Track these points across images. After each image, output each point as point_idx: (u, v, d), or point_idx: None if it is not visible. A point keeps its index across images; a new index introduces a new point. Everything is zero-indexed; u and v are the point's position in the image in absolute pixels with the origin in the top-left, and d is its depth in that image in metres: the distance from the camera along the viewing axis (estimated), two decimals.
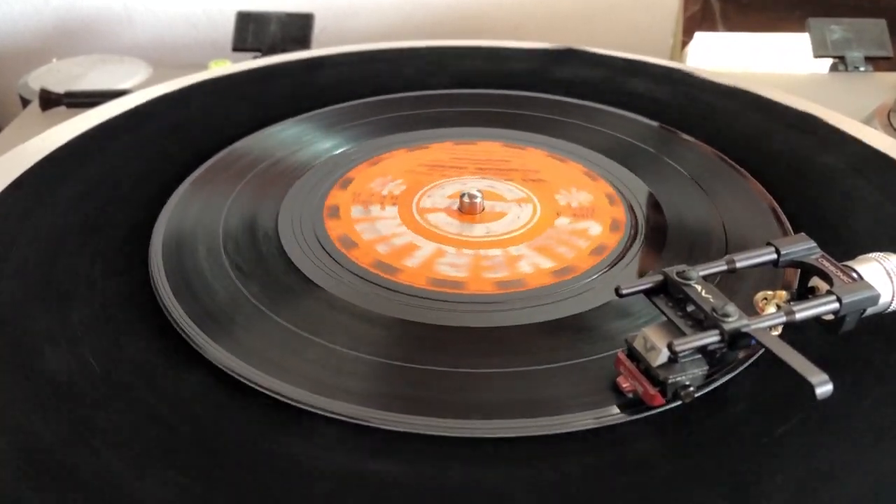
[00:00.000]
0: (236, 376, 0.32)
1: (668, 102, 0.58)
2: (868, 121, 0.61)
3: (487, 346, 0.34)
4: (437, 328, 0.35)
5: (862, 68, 0.73)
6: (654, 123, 0.55)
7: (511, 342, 0.35)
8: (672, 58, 0.95)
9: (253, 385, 0.31)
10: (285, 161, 0.49)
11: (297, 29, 0.74)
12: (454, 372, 0.33)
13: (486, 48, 0.67)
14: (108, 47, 0.92)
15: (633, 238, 0.42)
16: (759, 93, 0.57)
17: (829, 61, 0.76)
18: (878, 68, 0.75)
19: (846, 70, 0.74)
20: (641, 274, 0.39)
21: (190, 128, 0.53)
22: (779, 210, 0.44)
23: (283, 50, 0.71)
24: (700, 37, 0.98)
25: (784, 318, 0.30)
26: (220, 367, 0.32)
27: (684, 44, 0.96)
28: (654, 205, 0.45)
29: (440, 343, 0.35)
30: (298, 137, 0.52)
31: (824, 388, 0.26)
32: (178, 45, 0.94)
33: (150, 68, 0.74)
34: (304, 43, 0.74)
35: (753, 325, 0.29)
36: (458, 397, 0.31)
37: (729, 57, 0.97)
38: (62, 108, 0.66)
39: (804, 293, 0.33)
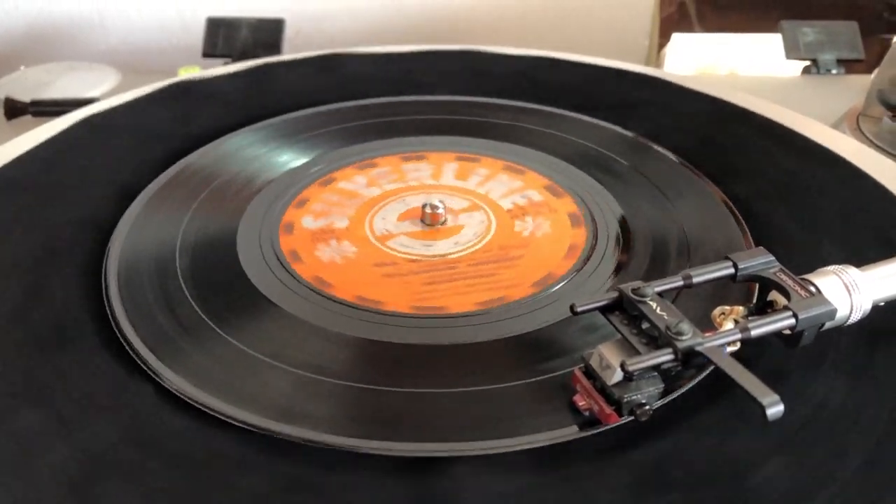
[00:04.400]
0: (191, 401, 0.31)
1: (631, 107, 0.57)
2: (838, 124, 0.61)
3: (445, 365, 0.34)
4: (405, 347, 0.35)
5: (834, 71, 0.73)
6: (616, 129, 0.54)
7: (468, 359, 0.34)
8: (648, 60, 0.95)
9: (209, 410, 0.31)
10: (243, 174, 0.49)
11: (268, 34, 0.73)
12: (410, 392, 0.32)
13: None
14: (80, 53, 0.91)
15: (592, 247, 0.42)
16: (725, 98, 0.57)
17: (803, 64, 0.76)
18: (850, 71, 0.75)
19: (818, 72, 0.74)
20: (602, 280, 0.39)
21: (149, 139, 0.52)
22: (741, 220, 0.43)
23: (255, 56, 0.70)
24: (677, 38, 0.98)
25: (739, 335, 0.30)
26: (174, 391, 0.32)
27: (661, 45, 0.96)
28: (615, 215, 0.45)
29: (402, 363, 0.34)
30: (248, 151, 0.51)
31: (775, 409, 0.26)
32: (152, 51, 0.93)
33: (119, 75, 0.73)
34: (275, 48, 0.73)
35: (707, 344, 0.29)
36: (412, 418, 0.31)
37: (706, 58, 0.96)
38: (28, 117, 0.65)
39: (763, 307, 0.33)
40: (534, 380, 0.33)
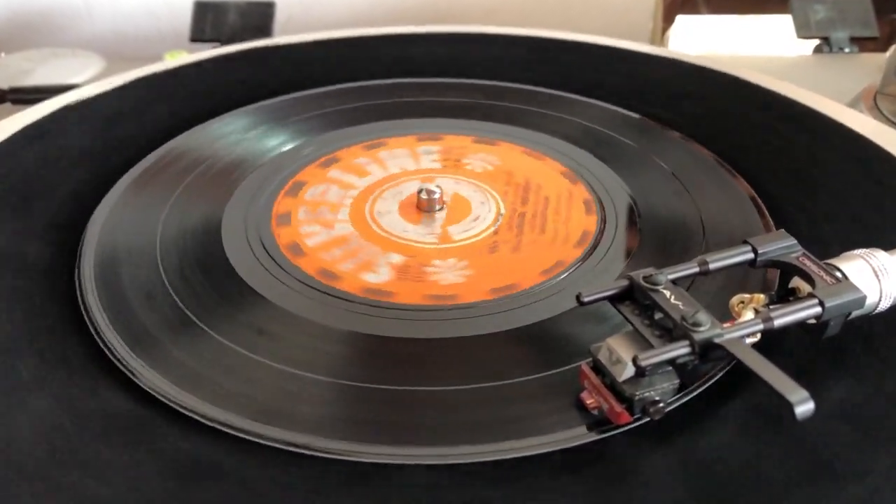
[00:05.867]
0: (172, 404, 0.29)
1: (639, 88, 0.55)
2: (854, 104, 0.58)
3: (447, 361, 0.31)
4: (397, 341, 0.32)
5: (847, 49, 0.71)
6: (624, 111, 0.52)
7: (473, 354, 0.32)
8: (652, 43, 0.92)
9: (194, 415, 0.28)
10: (226, 161, 0.46)
11: (258, 18, 0.70)
12: (410, 391, 0.30)
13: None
14: (66, 40, 0.88)
15: (601, 232, 0.39)
16: (736, 75, 0.54)
17: (814, 43, 0.74)
18: (863, 49, 0.72)
19: (831, 51, 0.71)
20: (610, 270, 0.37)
21: (130, 125, 0.50)
22: (760, 202, 0.41)
23: (243, 40, 0.67)
24: (682, 20, 0.95)
25: (761, 326, 0.27)
26: (154, 393, 0.29)
27: (665, 28, 0.93)
28: (625, 199, 0.42)
29: (389, 357, 0.32)
30: (240, 133, 0.49)
31: (805, 408, 0.23)
32: (140, 38, 0.90)
33: (103, 62, 0.71)
34: (265, 32, 0.70)
35: (727, 335, 0.26)
36: (415, 420, 0.29)
37: (712, 40, 0.94)
38: (7, 105, 0.63)
39: (784, 295, 0.31)
40: (536, 376, 0.30)
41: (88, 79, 0.68)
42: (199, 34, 0.72)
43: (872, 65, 0.68)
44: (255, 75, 0.57)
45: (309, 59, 0.61)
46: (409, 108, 0.52)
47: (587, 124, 0.50)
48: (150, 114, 0.51)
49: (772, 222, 0.39)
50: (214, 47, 0.68)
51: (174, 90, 0.55)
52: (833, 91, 0.58)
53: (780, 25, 0.85)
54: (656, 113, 0.51)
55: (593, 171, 0.45)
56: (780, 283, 0.31)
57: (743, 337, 0.27)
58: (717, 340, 0.26)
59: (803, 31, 0.72)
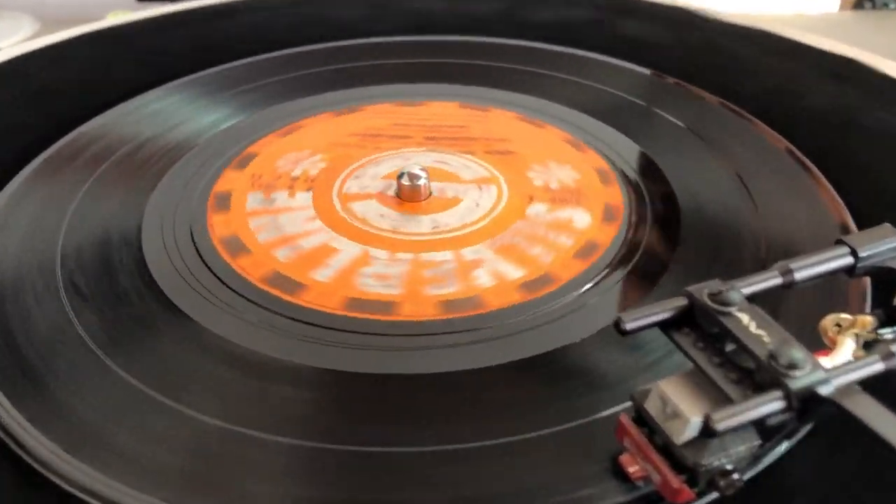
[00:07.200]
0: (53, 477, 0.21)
1: (672, 48, 0.47)
2: None
3: (415, 410, 0.23)
4: (351, 378, 0.24)
5: (892, 5, 0.63)
6: (656, 74, 0.43)
7: (455, 399, 0.24)
8: None
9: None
10: (156, 142, 0.37)
11: None
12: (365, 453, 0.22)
13: None
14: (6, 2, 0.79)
15: (633, 230, 0.31)
16: (781, 34, 0.46)
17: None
18: None
19: (874, 7, 0.63)
20: (647, 278, 0.28)
21: (34, 103, 0.41)
22: (827, 185, 0.33)
23: None
24: None
25: (881, 365, 0.19)
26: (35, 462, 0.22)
27: None
28: (661, 183, 0.34)
29: (353, 405, 0.24)
30: (177, 109, 0.40)
31: None
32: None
33: (36, 24, 0.62)
34: None
35: (837, 381, 0.18)
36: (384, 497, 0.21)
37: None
38: None
39: (891, 315, 0.23)
40: (551, 431, 0.22)
41: (15, 42, 0.59)
42: None
43: None
44: (204, 38, 0.49)
45: (273, 18, 0.52)
46: (383, 70, 0.44)
47: (607, 89, 0.42)
48: (68, 87, 0.42)
49: (847, 215, 0.31)
50: (163, 5, 0.59)
51: (102, 58, 0.46)
52: (880, 52, 0.50)
53: None
54: (691, 76, 0.42)
55: (620, 152, 0.36)
56: (882, 299, 0.23)
57: (855, 382, 0.19)
58: (823, 392, 0.18)
59: None
